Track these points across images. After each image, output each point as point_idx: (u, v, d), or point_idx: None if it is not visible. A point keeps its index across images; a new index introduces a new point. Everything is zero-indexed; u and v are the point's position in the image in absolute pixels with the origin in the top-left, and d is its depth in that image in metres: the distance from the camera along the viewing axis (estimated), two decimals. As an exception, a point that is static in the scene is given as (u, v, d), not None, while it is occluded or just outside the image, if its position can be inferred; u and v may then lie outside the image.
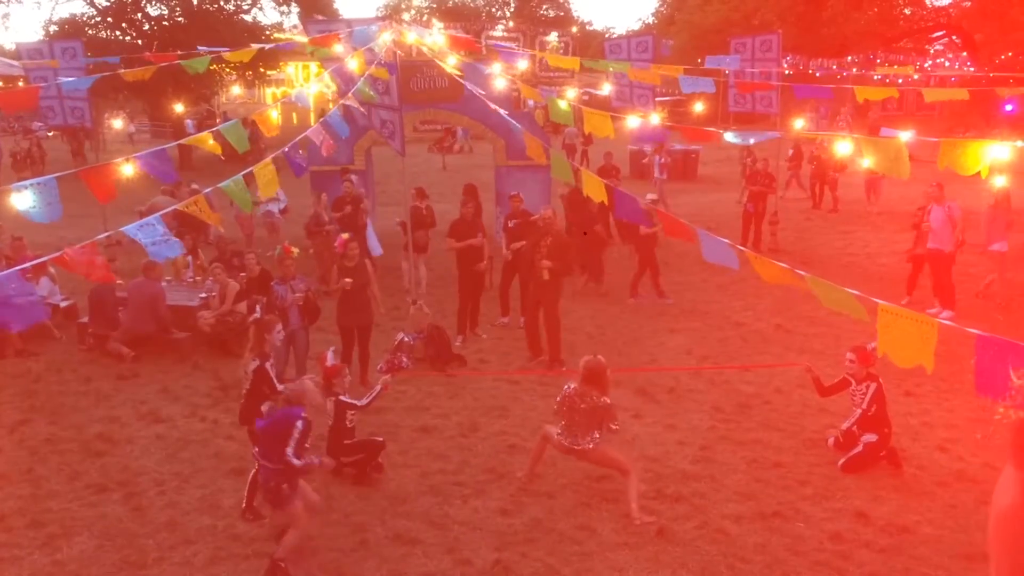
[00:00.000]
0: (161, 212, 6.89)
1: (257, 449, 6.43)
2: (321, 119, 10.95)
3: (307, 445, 6.19)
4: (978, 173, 6.22)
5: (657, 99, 18.64)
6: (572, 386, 7.22)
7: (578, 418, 7.09)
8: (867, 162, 6.51)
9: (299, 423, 6.12)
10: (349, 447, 7.52)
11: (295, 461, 6.05)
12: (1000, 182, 10.67)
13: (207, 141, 8.79)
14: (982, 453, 7.84)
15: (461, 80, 11.80)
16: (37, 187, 6.34)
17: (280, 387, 7.06)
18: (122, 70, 10.32)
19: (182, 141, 9.08)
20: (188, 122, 35.81)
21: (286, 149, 9.29)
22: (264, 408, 6.98)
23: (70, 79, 13.01)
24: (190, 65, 9.78)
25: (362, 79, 10.83)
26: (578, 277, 13.05)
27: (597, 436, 7.09)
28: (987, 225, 11.89)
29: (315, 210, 14.63)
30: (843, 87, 12.99)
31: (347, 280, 9.32)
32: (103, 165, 7.61)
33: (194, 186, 16.10)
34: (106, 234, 6.32)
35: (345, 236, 9.79)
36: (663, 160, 20.39)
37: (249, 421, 7.04)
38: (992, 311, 11.79)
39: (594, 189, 8.50)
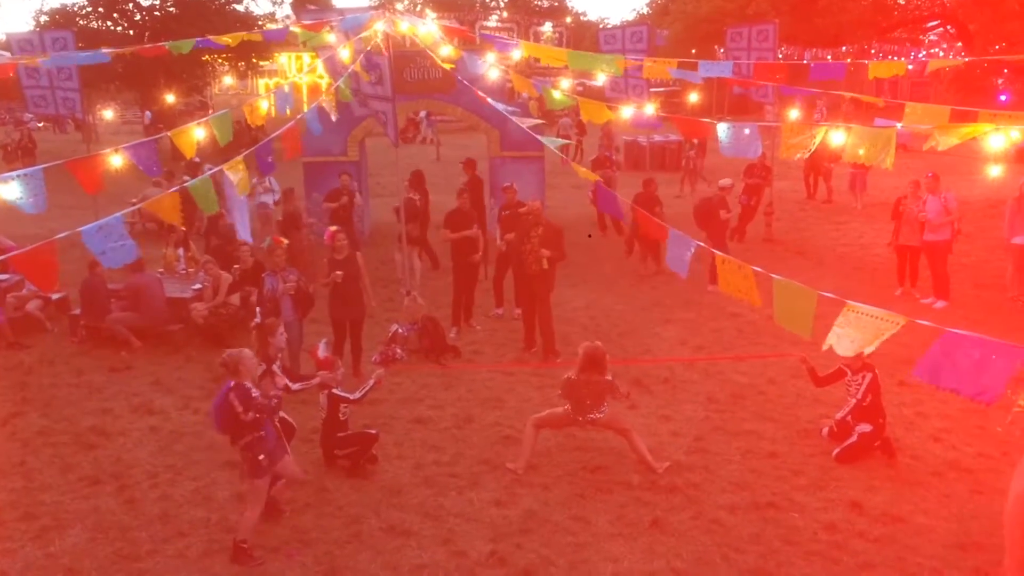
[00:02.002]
0: (124, 212, 6.82)
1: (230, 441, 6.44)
2: (299, 115, 10.86)
3: (253, 404, 6.20)
4: (971, 163, 6.22)
5: (652, 89, 18.59)
6: (571, 375, 7.50)
7: (585, 398, 7.45)
8: (857, 153, 6.45)
9: (231, 395, 6.17)
10: (343, 440, 7.49)
11: (247, 417, 6.14)
12: (996, 171, 10.67)
13: (192, 134, 8.71)
14: (976, 443, 7.86)
15: (450, 71, 11.74)
16: (24, 178, 6.28)
17: (294, 386, 7.04)
18: (106, 50, 10.18)
19: (167, 134, 8.96)
20: (146, 113, 35.57)
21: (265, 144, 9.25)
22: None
23: (55, 60, 12.83)
24: (175, 47, 9.67)
25: (342, 78, 10.76)
26: (648, 264, 13.60)
27: (606, 408, 7.56)
28: (1010, 218, 11.87)
29: (293, 207, 14.51)
30: (832, 76, 12.92)
31: (337, 273, 9.28)
32: (90, 156, 7.55)
33: (185, 177, 16.06)
34: (64, 234, 6.25)
35: (333, 228, 9.73)
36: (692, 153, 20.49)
37: None
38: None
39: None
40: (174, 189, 7.84)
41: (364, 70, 10.69)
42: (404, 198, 12.32)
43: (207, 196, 8.03)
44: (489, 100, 10.13)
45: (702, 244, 7.26)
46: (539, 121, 9.28)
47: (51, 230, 6.43)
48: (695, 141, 20.84)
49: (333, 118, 11.47)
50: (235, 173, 8.24)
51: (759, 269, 6.23)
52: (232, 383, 6.24)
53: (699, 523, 6.67)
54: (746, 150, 7.16)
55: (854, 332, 5.20)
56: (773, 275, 5.97)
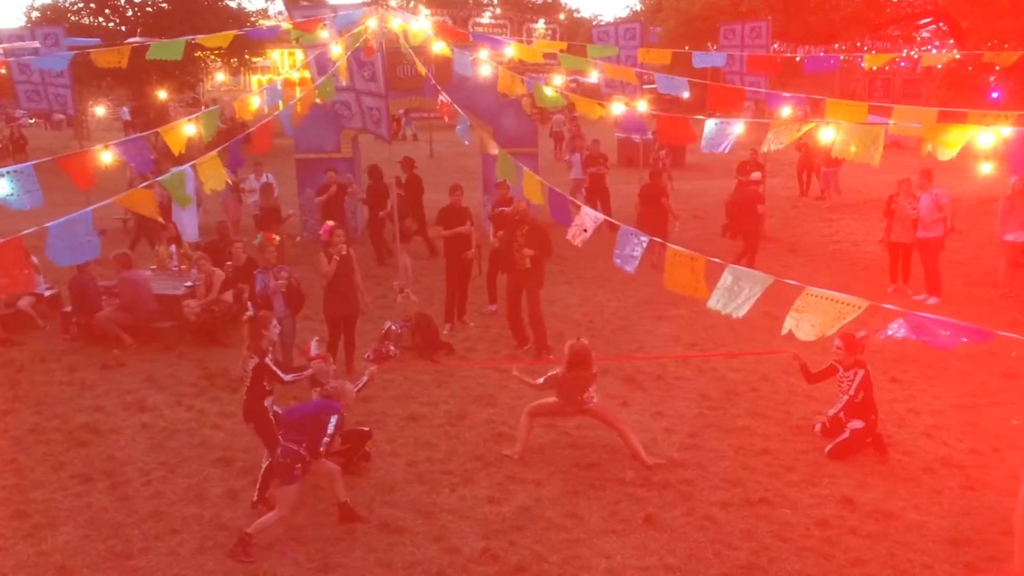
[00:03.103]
0: (93, 207, 6.77)
1: (282, 432, 6.62)
2: (274, 113, 10.82)
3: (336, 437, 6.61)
4: (962, 160, 6.26)
5: (644, 87, 18.59)
6: (558, 372, 7.65)
7: (575, 393, 7.62)
8: (847, 150, 6.45)
9: (334, 418, 6.46)
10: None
11: (322, 449, 6.42)
12: (987, 169, 10.70)
13: (182, 130, 8.67)
14: (967, 439, 7.89)
15: (424, 74, 11.72)
16: (14, 174, 6.25)
17: (285, 377, 7.03)
18: (93, 49, 10.11)
19: (157, 130, 8.92)
20: (124, 110, 35.43)
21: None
22: (267, 403, 7.03)
23: (43, 57, 12.78)
24: (164, 51, 9.59)
25: (324, 77, 10.72)
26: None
27: (594, 393, 7.71)
28: (1002, 215, 11.93)
29: (272, 202, 14.49)
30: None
31: (341, 245, 9.35)
32: (80, 152, 7.51)
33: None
34: (31, 229, 6.23)
35: (330, 224, 9.71)
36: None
37: (252, 418, 7.02)
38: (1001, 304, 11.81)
39: (533, 191, 8.58)
40: (143, 185, 7.80)
41: (350, 68, 10.67)
42: (395, 194, 12.30)
43: (180, 190, 8.01)
44: (455, 106, 10.12)
45: (653, 239, 7.35)
46: (496, 152, 9.28)
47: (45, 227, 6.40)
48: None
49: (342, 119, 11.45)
50: (210, 169, 8.14)
51: (717, 260, 6.27)
52: (340, 406, 6.61)
53: (692, 519, 6.68)
54: (718, 146, 7.26)
55: (814, 316, 5.30)
56: (713, 259, 6.09)
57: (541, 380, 7.77)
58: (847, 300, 5.23)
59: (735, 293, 5.75)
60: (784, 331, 5.46)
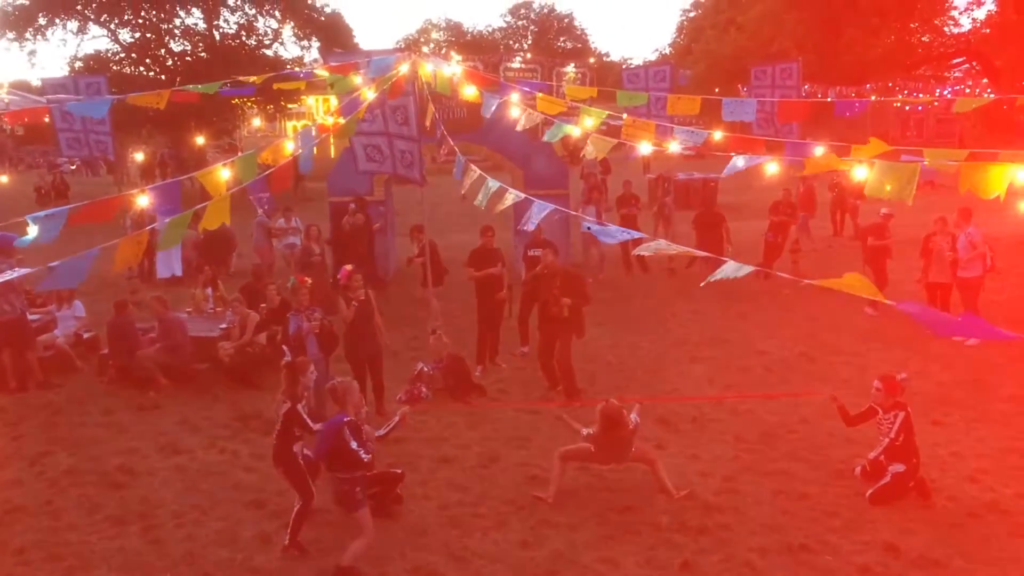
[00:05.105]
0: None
1: (325, 468, 6.62)
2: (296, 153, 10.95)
3: (365, 439, 6.53)
4: (997, 198, 6.13)
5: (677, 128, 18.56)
6: (594, 432, 7.55)
7: (614, 451, 7.60)
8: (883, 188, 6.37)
9: (344, 429, 6.38)
10: (368, 479, 7.44)
11: (365, 456, 6.37)
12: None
13: (219, 177, 8.81)
14: (1014, 484, 7.66)
15: (433, 119, 11.77)
16: (46, 217, 6.43)
17: (315, 427, 7.02)
18: (132, 94, 10.40)
19: (192, 175, 9.11)
20: (162, 152, 35.98)
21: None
22: (296, 448, 6.99)
23: (82, 102, 13.12)
24: (205, 88, 9.86)
25: (349, 118, 10.82)
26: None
27: (634, 447, 7.68)
28: None
29: (304, 243, 14.75)
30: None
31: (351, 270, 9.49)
32: (112, 198, 7.67)
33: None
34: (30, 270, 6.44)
35: (349, 268, 9.79)
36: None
37: (281, 463, 7.02)
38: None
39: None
40: (152, 226, 7.91)
41: (383, 113, 10.79)
42: (428, 240, 12.33)
43: (178, 232, 8.16)
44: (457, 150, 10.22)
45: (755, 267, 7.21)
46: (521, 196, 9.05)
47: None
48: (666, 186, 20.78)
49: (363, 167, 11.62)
50: (216, 211, 8.22)
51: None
52: (346, 417, 6.49)
53: (730, 566, 6.52)
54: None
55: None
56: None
57: (585, 432, 7.67)
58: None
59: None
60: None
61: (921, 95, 29.38)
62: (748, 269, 5.55)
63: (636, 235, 7.65)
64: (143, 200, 7.82)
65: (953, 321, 4.98)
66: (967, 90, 31.28)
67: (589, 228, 7.36)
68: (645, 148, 10.68)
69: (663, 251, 6.56)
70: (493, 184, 8.43)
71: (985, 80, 32.42)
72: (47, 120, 17.09)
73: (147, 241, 8.08)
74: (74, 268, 6.39)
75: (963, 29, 35.68)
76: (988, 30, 30.15)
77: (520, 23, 73.35)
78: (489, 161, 20.43)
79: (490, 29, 78.76)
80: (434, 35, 71.92)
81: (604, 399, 7.75)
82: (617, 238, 7.12)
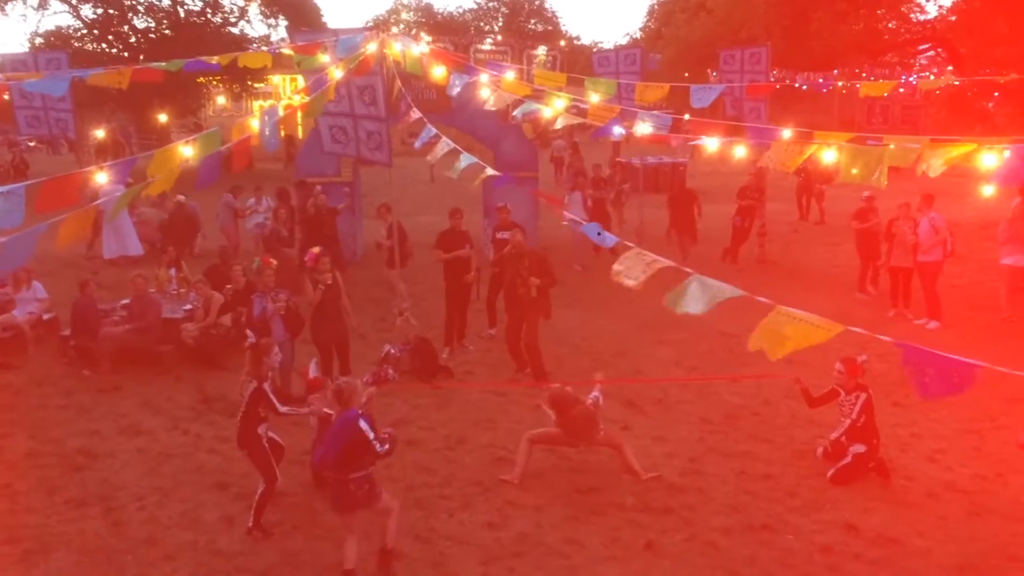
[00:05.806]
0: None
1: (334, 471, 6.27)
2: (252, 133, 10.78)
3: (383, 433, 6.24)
4: (964, 184, 6.21)
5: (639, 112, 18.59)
6: (556, 420, 7.64)
7: (580, 431, 7.59)
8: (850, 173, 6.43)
9: (361, 422, 6.05)
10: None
11: (382, 449, 6.08)
12: (989, 191, 10.70)
13: (178, 152, 8.63)
14: (971, 464, 7.82)
15: (397, 97, 11.57)
16: (5, 194, 6.23)
17: (282, 408, 6.92)
18: (93, 71, 10.10)
19: (148, 153, 8.87)
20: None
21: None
22: (261, 431, 6.88)
23: (40, 80, 12.77)
24: (168, 66, 9.63)
25: (313, 95, 10.65)
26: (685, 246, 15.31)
27: (602, 427, 7.74)
28: (1003, 239, 11.93)
29: (272, 226, 14.60)
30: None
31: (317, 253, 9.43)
32: (65, 175, 7.45)
33: (179, 198, 16.03)
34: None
35: (316, 250, 9.71)
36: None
37: (246, 444, 6.93)
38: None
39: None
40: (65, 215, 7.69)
41: (350, 94, 10.66)
42: (393, 221, 12.25)
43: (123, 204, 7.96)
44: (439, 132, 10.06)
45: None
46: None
47: (44, 249, 6.36)
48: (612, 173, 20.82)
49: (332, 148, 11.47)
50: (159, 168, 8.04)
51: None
52: (359, 411, 6.15)
53: (693, 545, 6.59)
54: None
55: (780, 334, 5.18)
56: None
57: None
58: (820, 323, 5.12)
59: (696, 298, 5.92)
60: (752, 348, 5.36)
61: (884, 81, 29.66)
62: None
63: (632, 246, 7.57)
64: (101, 177, 7.63)
65: (954, 375, 4.63)
66: (932, 77, 31.59)
67: (586, 230, 7.27)
68: (616, 130, 10.63)
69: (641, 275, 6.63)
70: (467, 159, 8.34)
71: (950, 68, 32.80)
72: (6, 97, 16.73)
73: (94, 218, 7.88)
74: (19, 246, 6.15)
75: (929, 16, 36.06)
76: (954, 17, 30.45)
77: (491, 4, 72.73)
78: (459, 143, 20.31)
79: (461, 10, 78.21)
80: (404, 15, 71.11)
81: (548, 387, 7.86)
82: (609, 244, 7.07)
